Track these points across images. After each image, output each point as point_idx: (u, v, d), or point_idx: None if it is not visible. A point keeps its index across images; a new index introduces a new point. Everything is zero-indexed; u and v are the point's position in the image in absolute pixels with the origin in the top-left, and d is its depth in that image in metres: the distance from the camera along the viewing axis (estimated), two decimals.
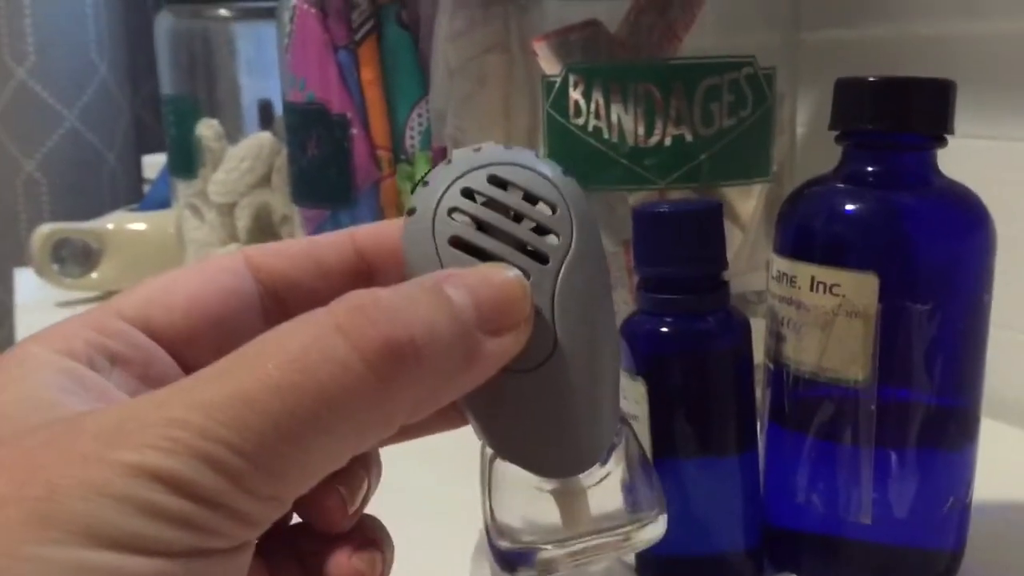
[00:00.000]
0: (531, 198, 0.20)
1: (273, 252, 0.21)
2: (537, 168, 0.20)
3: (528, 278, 0.19)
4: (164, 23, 0.66)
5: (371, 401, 0.16)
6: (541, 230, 0.20)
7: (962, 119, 0.29)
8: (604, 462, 0.20)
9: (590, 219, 0.20)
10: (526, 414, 0.19)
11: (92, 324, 0.19)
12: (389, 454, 0.22)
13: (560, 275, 0.19)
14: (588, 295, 0.19)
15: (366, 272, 0.21)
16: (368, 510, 0.22)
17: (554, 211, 0.20)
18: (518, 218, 0.20)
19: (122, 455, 0.15)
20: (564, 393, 0.19)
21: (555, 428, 0.19)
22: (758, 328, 0.31)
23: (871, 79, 0.29)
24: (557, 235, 0.19)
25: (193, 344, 0.20)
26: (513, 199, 0.20)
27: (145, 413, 0.16)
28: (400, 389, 0.16)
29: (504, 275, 0.18)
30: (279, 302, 0.21)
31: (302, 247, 0.21)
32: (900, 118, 0.29)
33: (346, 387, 0.16)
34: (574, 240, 0.19)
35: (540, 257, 0.19)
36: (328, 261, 0.21)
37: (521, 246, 0.19)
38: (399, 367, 0.16)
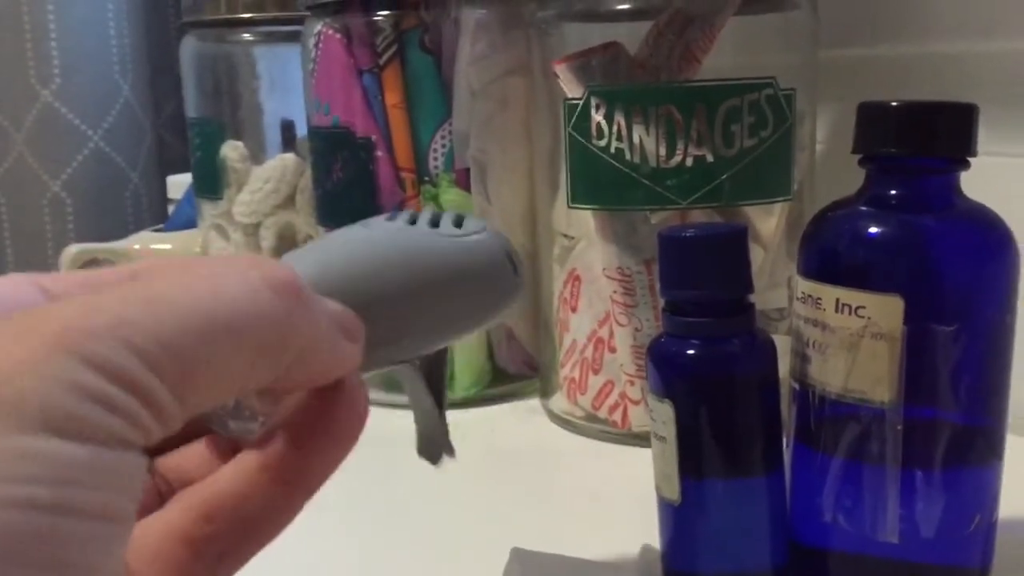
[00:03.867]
0: None
1: None
2: None
3: None
4: (189, 47, 0.67)
5: (273, 325, 0.18)
6: None
7: (981, 137, 0.30)
8: None
9: None
10: None
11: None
12: (417, 477, 0.23)
13: None
14: None
15: None
16: (401, 527, 0.24)
17: None
18: None
19: (55, 338, 0.15)
20: None
21: None
22: (781, 344, 0.32)
23: (894, 104, 0.29)
24: None
25: None
26: None
27: (69, 307, 0.16)
28: (295, 324, 0.19)
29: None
30: None
31: None
32: (924, 142, 0.29)
33: (256, 307, 0.18)
34: None
35: None
36: None
37: None
38: (297, 303, 0.19)
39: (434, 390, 0.25)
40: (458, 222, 0.25)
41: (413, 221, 0.24)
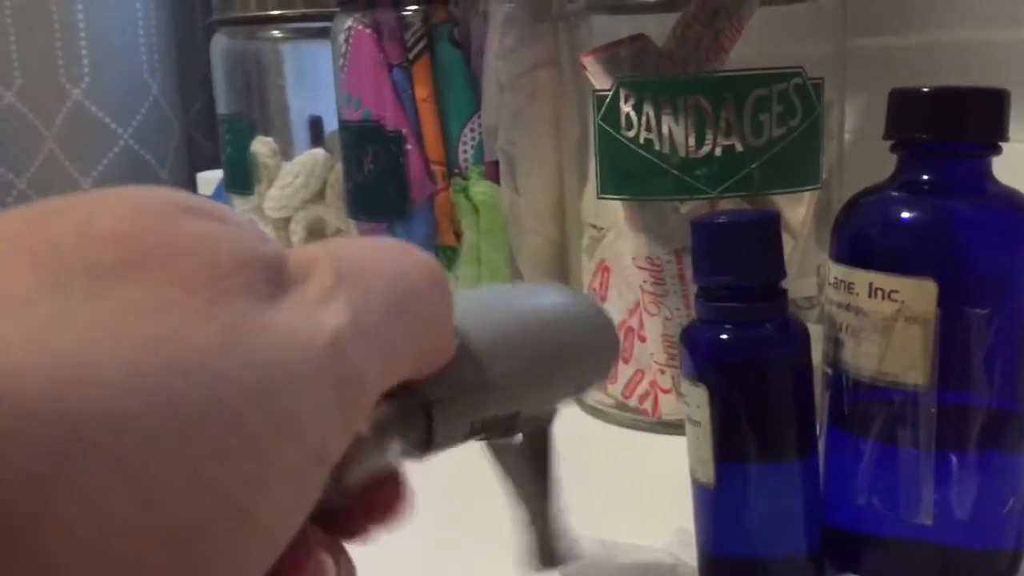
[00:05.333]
0: None
1: None
2: None
3: None
4: (219, 45, 0.68)
5: (438, 308, 0.19)
6: None
7: (1011, 124, 0.30)
8: None
9: None
10: None
11: None
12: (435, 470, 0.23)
13: None
14: None
15: None
16: (433, 514, 0.24)
17: None
18: None
19: (333, 337, 0.16)
20: None
21: None
22: (811, 333, 0.32)
23: (925, 89, 0.29)
24: None
25: None
26: None
27: (341, 303, 0.16)
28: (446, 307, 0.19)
29: None
30: None
31: None
32: (955, 127, 0.29)
33: (428, 288, 0.19)
34: None
35: None
36: None
37: None
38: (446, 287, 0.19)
39: (540, 474, 0.24)
40: None
41: None
